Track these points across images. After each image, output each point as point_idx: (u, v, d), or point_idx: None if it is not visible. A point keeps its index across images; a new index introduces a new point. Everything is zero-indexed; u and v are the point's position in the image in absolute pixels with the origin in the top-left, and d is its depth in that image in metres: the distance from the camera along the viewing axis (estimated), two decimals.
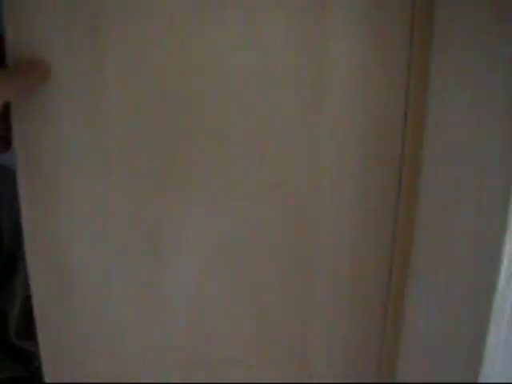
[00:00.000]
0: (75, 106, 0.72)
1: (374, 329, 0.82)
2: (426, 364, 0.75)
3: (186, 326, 0.80)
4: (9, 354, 0.89)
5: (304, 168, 0.75)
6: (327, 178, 0.76)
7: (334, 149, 0.75)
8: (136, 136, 0.73)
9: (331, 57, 0.71)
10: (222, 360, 0.82)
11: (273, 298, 0.79)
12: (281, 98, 0.73)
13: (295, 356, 0.82)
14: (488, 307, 0.63)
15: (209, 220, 0.78)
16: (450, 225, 0.67)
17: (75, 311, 0.80)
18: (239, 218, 0.77)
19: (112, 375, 0.81)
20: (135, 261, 0.77)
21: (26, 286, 0.85)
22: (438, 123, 0.70)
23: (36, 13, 0.68)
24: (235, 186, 0.75)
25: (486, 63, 0.60)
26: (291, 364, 0.84)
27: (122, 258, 0.77)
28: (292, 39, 0.71)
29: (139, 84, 0.71)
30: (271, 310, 0.80)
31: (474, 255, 0.63)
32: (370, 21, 0.70)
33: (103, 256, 0.78)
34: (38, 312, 0.77)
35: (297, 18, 0.70)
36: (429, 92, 0.71)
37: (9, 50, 0.68)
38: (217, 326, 0.81)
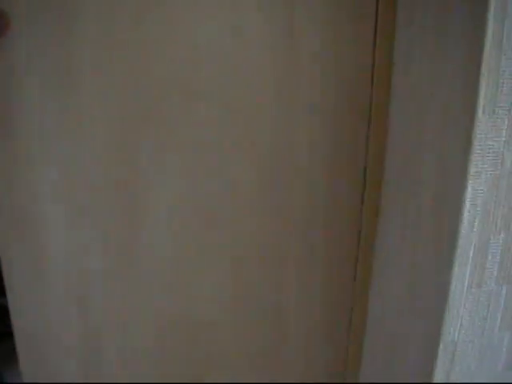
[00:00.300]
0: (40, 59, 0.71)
1: (346, 275, 0.83)
2: (394, 309, 0.77)
3: (162, 288, 0.81)
4: None
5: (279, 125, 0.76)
6: (301, 129, 0.76)
7: (307, 99, 0.76)
8: (110, 93, 0.73)
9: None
10: (198, 321, 0.83)
11: (248, 258, 0.80)
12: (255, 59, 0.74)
13: (270, 315, 0.83)
14: (452, 251, 0.65)
15: (182, 180, 0.79)
16: (416, 171, 0.69)
17: (47, 277, 0.80)
18: (214, 177, 0.78)
19: (87, 337, 0.82)
20: (110, 222, 0.78)
21: None
22: (405, 71, 0.71)
23: None
24: (209, 146, 0.76)
25: (447, 17, 0.62)
26: (266, 322, 0.84)
27: (94, 215, 0.78)
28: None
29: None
30: (246, 272, 0.81)
31: (439, 201, 0.65)
32: None
33: (69, 213, 0.78)
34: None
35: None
36: (395, 43, 0.72)
37: None
38: (192, 288, 0.82)
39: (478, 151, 0.60)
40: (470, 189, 0.63)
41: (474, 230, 0.64)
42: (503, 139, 0.60)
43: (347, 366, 0.88)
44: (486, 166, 0.62)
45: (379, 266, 0.80)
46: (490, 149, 0.61)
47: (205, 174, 0.75)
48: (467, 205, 0.63)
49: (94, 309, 0.80)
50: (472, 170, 0.62)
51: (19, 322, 0.81)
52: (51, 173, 0.74)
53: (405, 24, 0.70)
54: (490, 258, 0.67)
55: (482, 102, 0.60)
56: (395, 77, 0.74)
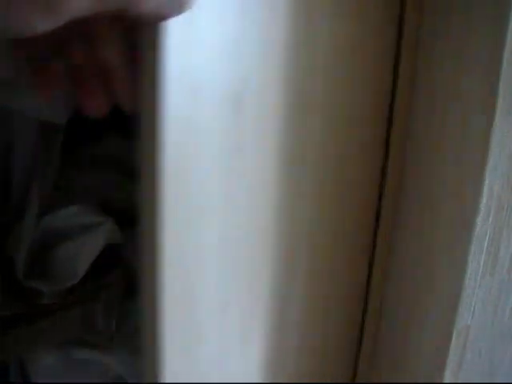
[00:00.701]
0: None
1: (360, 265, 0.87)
2: (410, 299, 0.81)
3: None
4: (16, 294, 0.94)
5: None
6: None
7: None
8: None
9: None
10: None
11: None
12: None
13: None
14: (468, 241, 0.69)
15: None
16: (436, 171, 0.73)
17: None
18: None
19: None
20: None
21: (32, 229, 0.90)
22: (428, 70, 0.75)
23: None
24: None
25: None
26: None
27: None
28: None
29: None
30: None
31: (456, 194, 0.69)
32: None
33: None
34: None
35: None
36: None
37: None
38: None
39: (495, 147, 0.65)
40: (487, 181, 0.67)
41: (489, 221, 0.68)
42: None
43: (361, 351, 0.91)
44: (502, 161, 0.66)
45: (396, 252, 0.84)
46: (506, 145, 0.65)
47: None
48: (484, 198, 0.68)
49: None
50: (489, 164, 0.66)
51: None
52: None
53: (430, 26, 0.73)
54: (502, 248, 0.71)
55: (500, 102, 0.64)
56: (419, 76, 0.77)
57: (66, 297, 0.92)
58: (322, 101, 0.72)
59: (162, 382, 0.63)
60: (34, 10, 0.37)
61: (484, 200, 0.69)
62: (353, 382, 0.93)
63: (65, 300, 0.91)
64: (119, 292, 0.92)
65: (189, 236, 0.61)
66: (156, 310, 0.60)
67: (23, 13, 0.37)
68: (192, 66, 0.55)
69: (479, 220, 0.69)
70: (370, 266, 0.87)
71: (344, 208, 0.81)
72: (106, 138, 1.05)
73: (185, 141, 0.57)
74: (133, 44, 0.55)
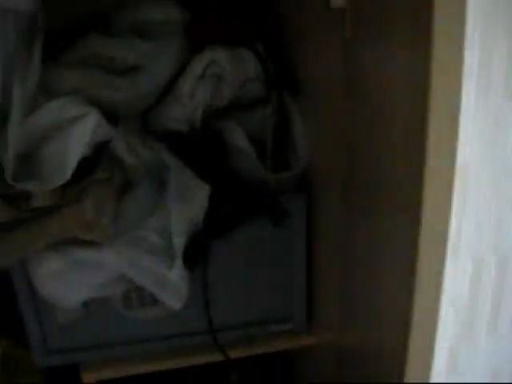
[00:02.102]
0: None
1: None
2: None
3: None
4: (8, 198, 0.91)
5: None
6: None
7: None
8: None
9: None
10: None
11: None
12: None
13: None
14: None
15: None
16: None
17: None
18: None
19: None
20: None
21: (17, 130, 0.86)
22: None
23: None
24: None
25: None
26: None
27: None
28: None
29: None
30: None
31: None
32: None
33: None
34: None
35: None
36: None
37: None
38: None
39: None
40: None
41: None
42: None
43: None
44: None
45: None
46: None
47: None
48: None
49: None
50: None
51: None
52: None
53: None
54: None
55: None
56: None
57: (59, 197, 0.88)
58: None
59: None
60: None
61: None
62: None
63: (57, 200, 0.87)
64: (112, 189, 0.88)
65: None
66: None
67: None
68: None
69: None
70: None
71: None
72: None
73: None
74: None
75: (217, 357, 1.07)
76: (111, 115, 0.96)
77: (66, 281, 0.90)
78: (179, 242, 0.84)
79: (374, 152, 0.77)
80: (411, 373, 0.73)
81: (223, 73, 0.94)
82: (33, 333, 1.03)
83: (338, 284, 1.00)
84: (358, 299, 0.90)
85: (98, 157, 0.90)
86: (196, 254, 0.90)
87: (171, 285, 0.86)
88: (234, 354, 1.09)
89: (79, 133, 0.84)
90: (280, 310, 1.11)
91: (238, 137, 0.97)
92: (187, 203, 0.85)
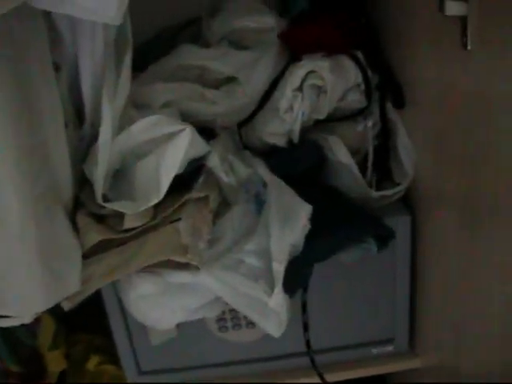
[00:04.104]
0: None
1: None
2: None
3: None
4: (100, 220, 0.88)
5: None
6: None
7: None
8: None
9: None
10: None
11: None
12: None
13: None
14: None
15: None
16: None
17: None
18: None
19: None
20: None
21: (107, 150, 0.83)
22: None
23: None
24: None
25: None
26: None
27: None
28: None
29: None
30: None
31: None
32: None
33: None
34: None
35: None
36: None
37: None
38: None
39: None
40: None
41: None
42: None
43: None
44: None
45: None
46: None
47: None
48: None
49: None
50: None
51: None
52: None
53: None
54: None
55: None
56: None
57: (152, 217, 0.84)
58: None
59: None
60: None
61: None
62: None
63: (150, 220, 0.83)
64: (208, 209, 0.83)
65: None
66: None
67: None
68: None
69: None
70: None
71: None
72: None
73: None
74: None
75: (315, 380, 1.01)
76: (206, 129, 0.92)
77: (160, 304, 0.87)
78: (279, 268, 0.78)
79: (489, 171, 0.70)
80: None
81: (324, 83, 0.88)
82: (124, 353, 1.01)
83: (441, 304, 0.93)
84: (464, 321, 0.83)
85: (193, 174, 0.85)
86: (297, 279, 0.85)
87: (271, 312, 0.80)
88: (332, 377, 1.04)
89: (173, 150, 0.80)
90: (381, 332, 1.05)
91: (339, 151, 0.91)
92: (288, 225, 0.80)
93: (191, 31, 1.05)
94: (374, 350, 1.06)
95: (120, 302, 0.92)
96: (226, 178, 0.85)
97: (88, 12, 0.70)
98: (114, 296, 0.93)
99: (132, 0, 1.02)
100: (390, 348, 1.06)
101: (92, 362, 1.11)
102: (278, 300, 0.79)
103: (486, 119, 0.70)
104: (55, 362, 1.08)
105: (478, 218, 0.76)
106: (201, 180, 0.83)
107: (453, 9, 0.69)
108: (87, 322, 1.13)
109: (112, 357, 1.08)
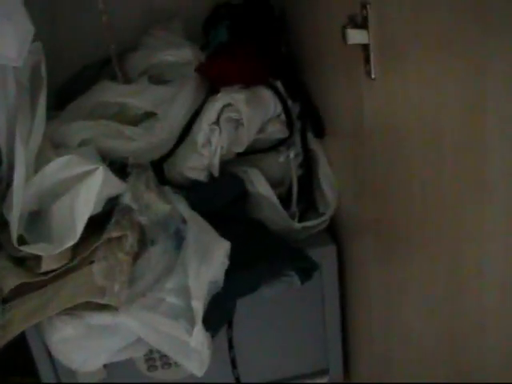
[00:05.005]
0: None
1: None
2: None
3: None
4: (18, 263, 0.86)
5: None
6: None
7: None
8: None
9: None
10: None
11: None
12: None
13: None
14: None
15: None
16: None
17: None
18: None
19: None
20: None
21: (21, 191, 0.81)
22: None
23: None
24: None
25: None
26: None
27: None
28: None
29: None
30: None
31: None
32: None
33: None
34: None
35: None
36: None
37: None
38: None
39: None
40: None
41: None
42: None
43: None
44: None
45: None
46: None
47: None
48: None
49: None
50: None
51: None
52: None
53: None
54: None
55: None
56: None
57: (70, 259, 0.83)
58: None
59: None
60: None
61: None
62: None
63: (68, 262, 0.82)
64: (125, 249, 0.82)
65: None
66: None
67: None
68: None
69: None
70: None
71: None
72: None
73: None
74: None
75: None
76: (124, 166, 0.91)
77: (82, 346, 0.85)
78: (199, 306, 0.78)
79: (404, 193, 0.69)
80: None
81: (240, 116, 0.88)
82: None
83: (375, 332, 0.92)
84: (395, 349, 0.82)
85: (109, 214, 0.84)
86: (220, 316, 0.83)
87: (192, 351, 0.79)
88: None
89: (86, 190, 0.79)
90: (315, 364, 1.04)
91: (259, 183, 0.91)
92: (205, 262, 0.79)
93: (111, 70, 1.03)
94: (309, 382, 1.04)
95: (45, 345, 0.90)
96: (140, 217, 0.84)
97: None
98: (39, 339, 0.90)
99: (52, 37, 1.02)
100: (325, 379, 1.05)
101: None
102: (198, 338, 0.78)
103: (395, 145, 0.70)
104: None
105: (391, 246, 0.76)
106: (113, 220, 0.81)
107: (355, 37, 0.69)
108: (19, 365, 1.11)
109: None
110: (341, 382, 1.06)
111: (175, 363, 0.96)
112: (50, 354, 0.94)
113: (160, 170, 0.96)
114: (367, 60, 0.69)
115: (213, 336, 0.82)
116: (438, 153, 0.59)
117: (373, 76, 0.69)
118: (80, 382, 0.98)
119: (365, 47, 0.69)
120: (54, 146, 0.90)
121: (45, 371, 0.97)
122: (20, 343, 0.94)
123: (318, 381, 1.04)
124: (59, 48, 1.07)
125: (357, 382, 1.06)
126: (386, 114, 0.71)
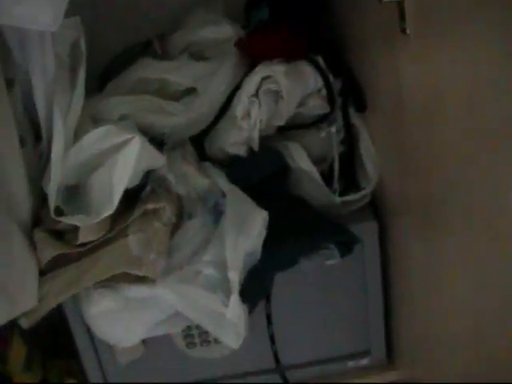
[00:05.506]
0: None
1: None
2: None
3: None
4: (56, 235, 0.86)
5: None
6: None
7: None
8: None
9: None
10: None
11: None
12: None
13: None
14: None
15: None
16: None
17: None
18: None
19: None
20: None
21: (59, 164, 0.82)
22: None
23: None
24: None
25: None
26: None
27: None
28: None
29: None
30: None
31: None
32: None
33: None
34: None
35: None
36: None
37: None
38: None
39: None
40: None
41: None
42: None
43: None
44: None
45: None
46: None
47: None
48: None
49: None
50: None
51: None
52: None
53: None
54: None
55: None
56: None
57: (108, 230, 0.83)
58: None
59: None
60: None
61: None
62: None
63: (106, 233, 0.82)
64: (162, 221, 0.82)
65: None
66: None
67: None
68: None
69: None
70: None
71: None
72: None
73: None
74: None
75: None
76: (163, 141, 0.90)
77: (120, 320, 0.85)
78: (235, 277, 0.76)
79: (448, 169, 0.67)
80: None
81: (279, 88, 0.87)
82: (92, 373, 0.98)
83: (413, 314, 0.91)
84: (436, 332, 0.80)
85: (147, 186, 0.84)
86: (257, 290, 0.82)
87: (228, 323, 0.78)
88: None
89: (123, 160, 0.79)
90: (356, 344, 1.02)
91: (300, 158, 0.89)
92: (242, 233, 0.78)
93: (153, 50, 1.04)
94: (350, 364, 1.02)
95: (83, 320, 0.90)
96: (181, 189, 0.83)
97: (24, 20, 0.70)
98: (78, 316, 0.90)
99: (93, 20, 1.02)
100: (365, 361, 1.03)
101: None
102: (234, 309, 0.77)
103: (433, 114, 0.68)
104: None
105: (433, 223, 0.74)
106: (148, 188, 0.81)
107: None
108: (64, 348, 1.11)
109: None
110: (383, 364, 1.03)
111: (214, 340, 0.96)
112: (89, 333, 0.94)
113: (201, 146, 0.95)
114: (402, 17, 0.67)
115: (250, 311, 0.81)
116: (478, 123, 0.57)
117: (407, 31, 0.67)
118: (118, 359, 0.97)
119: (399, 3, 0.67)
120: (94, 121, 0.89)
121: (84, 349, 0.97)
122: (61, 327, 0.94)
123: (359, 362, 1.01)
124: (101, 31, 1.06)
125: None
126: (422, 77, 0.68)
